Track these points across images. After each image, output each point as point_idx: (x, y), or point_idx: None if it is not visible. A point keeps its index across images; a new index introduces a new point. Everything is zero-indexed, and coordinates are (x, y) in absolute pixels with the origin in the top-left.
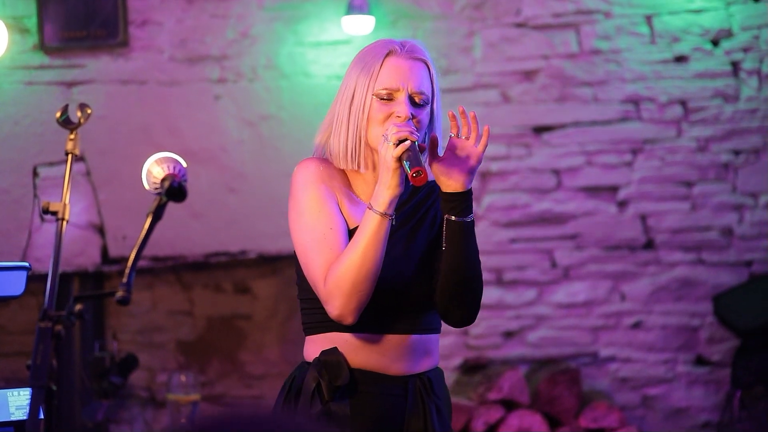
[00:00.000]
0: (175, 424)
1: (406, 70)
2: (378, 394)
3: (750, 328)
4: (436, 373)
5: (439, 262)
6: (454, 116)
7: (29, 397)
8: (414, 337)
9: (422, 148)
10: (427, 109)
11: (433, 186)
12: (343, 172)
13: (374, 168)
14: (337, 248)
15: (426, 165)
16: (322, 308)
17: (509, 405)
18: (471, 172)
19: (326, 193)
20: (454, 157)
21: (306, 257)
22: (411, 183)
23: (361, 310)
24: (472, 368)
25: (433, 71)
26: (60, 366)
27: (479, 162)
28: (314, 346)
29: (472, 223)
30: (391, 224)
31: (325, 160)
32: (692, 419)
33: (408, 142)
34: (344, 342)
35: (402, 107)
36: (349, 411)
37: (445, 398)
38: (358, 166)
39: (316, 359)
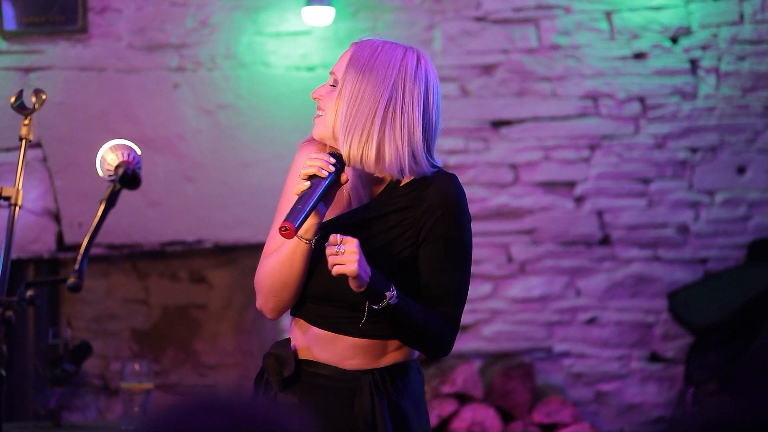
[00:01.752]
0: (128, 412)
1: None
2: (329, 387)
3: (704, 326)
4: (402, 367)
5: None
6: None
7: None
8: (373, 340)
9: (341, 183)
10: (338, 90)
11: (421, 200)
12: None
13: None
14: (281, 241)
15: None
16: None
17: (462, 398)
18: (351, 282)
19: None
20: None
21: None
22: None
23: (283, 311)
24: (426, 361)
25: (359, 55)
26: (13, 352)
27: (345, 274)
28: (293, 328)
29: (388, 306)
30: (311, 247)
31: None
32: (645, 415)
33: (307, 184)
34: (307, 331)
35: (317, 87)
36: (298, 401)
37: (409, 392)
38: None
39: (268, 352)
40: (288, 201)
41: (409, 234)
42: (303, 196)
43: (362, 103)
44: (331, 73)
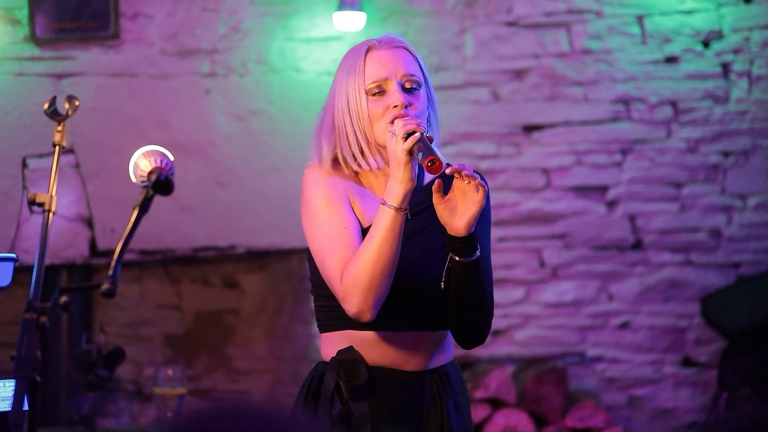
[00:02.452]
0: (161, 417)
1: (389, 59)
2: (395, 391)
3: (737, 330)
4: (453, 367)
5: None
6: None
7: (13, 388)
8: (429, 332)
9: (431, 139)
10: (422, 92)
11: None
12: (352, 174)
13: (380, 166)
14: (351, 247)
15: (439, 153)
16: (337, 305)
17: (496, 404)
18: (472, 218)
19: (339, 192)
20: (457, 200)
21: (321, 257)
22: (427, 172)
23: (379, 306)
24: (459, 366)
25: (417, 55)
26: (46, 358)
27: (480, 207)
28: (330, 344)
29: (476, 261)
30: (406, 218)
31: (332, 166)
32: (678, 420)
33: (417, 134)
34: (360, 339)
35: (396, 96)
36: (369, 408)
37: (462, 392)
38: (371, 166)
39: (334, 359)
40: (334, 215)
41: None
42: (421, 141)
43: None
44: (410, 75)
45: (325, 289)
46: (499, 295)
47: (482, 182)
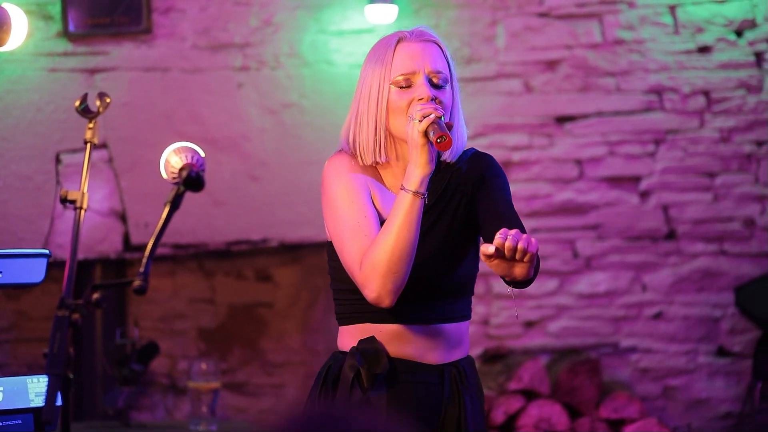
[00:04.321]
0: (196, 411)
1: (419, 53)
2: (415, 383)
3: None
4: (469, 361)
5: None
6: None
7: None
8: (447, 325)
9: (449, 125)
10: (448, 88)
11: (458, 169)
12: (371, 167)
13: (401, 159)
14: (371, 234)
15: (451, 133)
16: (357, 298)
17: (529, 395)
18: (524, 272)
19: (359, 183)
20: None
21: (341, 245)
22: (437, 149)
23: (399, 291)
24: (493, 358)
25: (446, 52)
26: (81, 353)
27: (529, 266)
28: (348, 336)
29: (533, 279)
30: (424, 203)
31: (353, 156)
32: (713, 410)
33: (433, 116)
34: (379, 332)
35: (423, 89)
36: (387, 399)
37: (477, 387)
38: (387, 159)
39: (354, 348)
40: (354, 204)
41: (469, 206)
42: (436, 123)
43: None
44: (437, 72)
45: (344, 282)
46: (532, 286)
47: (525, 246)
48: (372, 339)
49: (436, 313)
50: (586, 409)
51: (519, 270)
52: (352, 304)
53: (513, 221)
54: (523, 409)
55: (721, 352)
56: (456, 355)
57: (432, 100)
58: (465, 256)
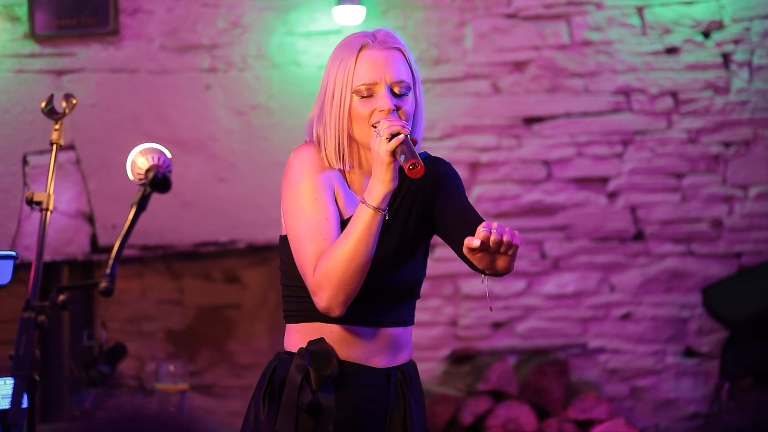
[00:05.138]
0: (163, 413)
1: (381, 62)
2: (363, 386)
3: (739, 320)
4: (412, 366)
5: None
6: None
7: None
8: (395, 329)
9: (414, 141)
10: (410, 96)
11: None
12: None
13: (362, 166)
14: (330, 239)
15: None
16: (307, 296)
17: (497, 396)
18: (505, 267)
19: (324, 180)
20: (489, 254)
21: (298, 244)
22: (408, 176)
23: (349, 303)
24: (461, 359)
25: (410, 57)
26: (48, 355)
27: (510, 259)
28: (296, 335)
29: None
30: (384, 219)
31: (320, 150)
32: (681, 411)
33: (401, 136)
34: (329, 332)
35: (384, 100)
36: (335, 401)
37: (420, 391)
38: (347, 165)
39: (303, 349)
40: (316, 203)
41: (421, 211)
42: (405, 143)
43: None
44: (399, 82)
45: (295, 279)
46: (499, 287)
47: (510, 239)
48: (321, 340)
49: (386, 317)
50: (554, 409)
51: (501, 263)
52: (301, 302)
53: (478, 221)
54: (491, 410)
55: (689, 352)
56: (401, 359)
57: (394, 111)
58: (416, 259)
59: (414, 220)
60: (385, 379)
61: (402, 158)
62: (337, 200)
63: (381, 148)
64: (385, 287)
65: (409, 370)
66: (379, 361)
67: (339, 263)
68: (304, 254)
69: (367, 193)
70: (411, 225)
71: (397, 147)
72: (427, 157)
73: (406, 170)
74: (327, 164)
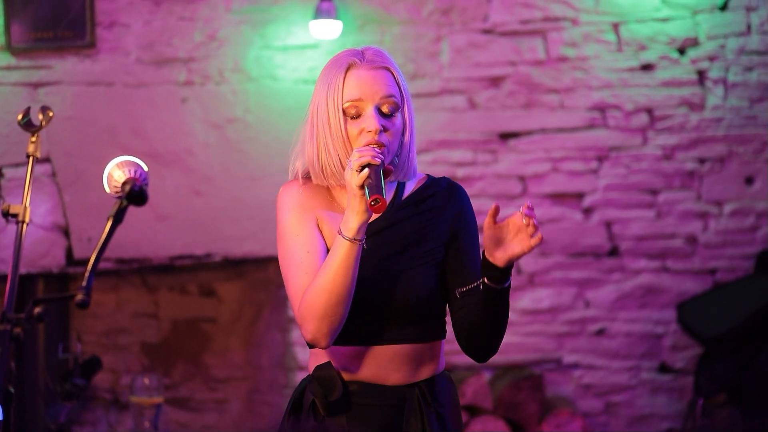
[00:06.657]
0: (138, 426)
1: (369, 82)
2: (376, 406)
3: (713, 336)
4: (440, 379)
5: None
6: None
7: None
8: (411, 346)
9: (388, 171)
10: (398, 115)
11: (422, 196)
12: (325, 188)
13: None
14: (312, 272)
15: (385, 191)
16: None
17: (472, 411)
18: (515, 257)
19: (306, 215)
20: (507, 233)
21: (286, 279)
22: (370, 210)
23: (335, 334)
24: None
25: (398, 76)
26: (23, 367)
27: (528, 252)
28: (315, 358)
29: (507, 288)
30: (362, 248)
31: (306, 179)
32: (655, 426)
33: (366, 171)
34: (342, 354)
35: (370, 121)
36: (346, 424)
37: (450, 404)
38: (339, 184)
39: (310, 376)
40: (298, 238)
41: (436, 232)
42: (372, 176)
43: (413, 118)
44: (387, 100)
45: None
46: None
47: (540, 234)
48: (328, 365)
49: (399, 335)
50: (528, 425)
51: (503, 252)
52: None
53: (475, 277)
54: (466, 425)
55: (663, 368)
56: (422, 375)
57: (381, 132)
58: (423, 277)
59: (415, 237)
60: (400, 397)
61: (366, 192)
62: (323, 228)
63: (352, 179)
64: (395, 305)
65: (434, 384)
66: (396, 379)
67: (319, 295)
68: (291, 290)
69: (343, 224)
70: (419, 242)
71: (363, 181)
72: (450, 185)
73: (367, 205)
74: (315, 182)
